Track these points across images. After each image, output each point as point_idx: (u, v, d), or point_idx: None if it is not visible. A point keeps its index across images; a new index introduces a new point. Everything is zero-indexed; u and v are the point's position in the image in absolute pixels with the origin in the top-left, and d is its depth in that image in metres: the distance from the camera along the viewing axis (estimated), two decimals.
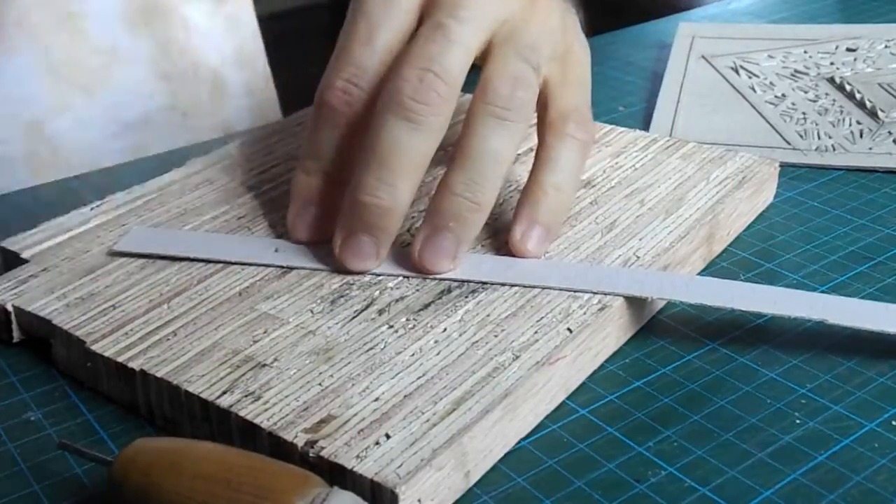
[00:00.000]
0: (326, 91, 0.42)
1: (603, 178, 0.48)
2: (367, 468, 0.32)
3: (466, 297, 0.40)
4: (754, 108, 0.60)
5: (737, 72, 0.64)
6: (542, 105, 0.44)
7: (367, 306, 0.40)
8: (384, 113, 0.40)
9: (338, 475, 0.32)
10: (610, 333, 0.40)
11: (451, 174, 0.41)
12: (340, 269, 0.42)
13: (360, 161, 0.41)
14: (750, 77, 0.64)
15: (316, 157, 0.43)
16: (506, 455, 0.35)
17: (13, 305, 0.41)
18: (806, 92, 0.61)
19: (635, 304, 0.41)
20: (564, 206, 0.44)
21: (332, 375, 0.36)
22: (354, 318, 0.39)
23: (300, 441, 0.33)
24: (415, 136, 0.40)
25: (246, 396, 0.35)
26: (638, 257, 0.42)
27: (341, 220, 0.41)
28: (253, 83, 0.68)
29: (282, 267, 0.42)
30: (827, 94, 0.61)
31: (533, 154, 0.44)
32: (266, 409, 0.35)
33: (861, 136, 0.56)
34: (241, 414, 0.34)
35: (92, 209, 0.47)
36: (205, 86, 0.65)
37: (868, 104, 0.59)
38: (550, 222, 0.43)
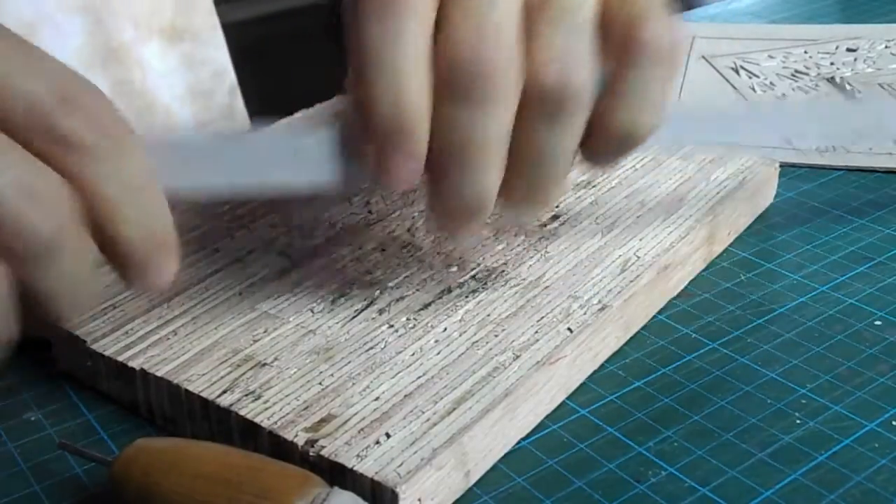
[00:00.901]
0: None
1: (603, 178, 0.48)
2: (367, 467, 0.32)
3: (467, 296, 0.40)
4: None
5: (737, 72, 0.64)
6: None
7: (368, 306, 0.40)
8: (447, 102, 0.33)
9: (338, 474, 0.32)
10: (610, 333, 0.40)
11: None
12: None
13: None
14: (750, 77, 0.64)
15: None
16: (506, 455, 0.35)
17: None
18: (806, 92, 0.61)
19: (635, 303, 0.41)
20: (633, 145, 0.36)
21: (332, 375, 0.36)
22: (355, 317, 0.39)
23: (300, 440, 0.33)
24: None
25: (246, 395, 0.35)
26: (638, 257, 0.42)
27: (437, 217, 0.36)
28: (203, 115, 0.68)
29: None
30: (827, 94, 0.61)
31: None
32: (266, 409, 0.35)
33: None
34: (242, 413, 0.34)
35: None
36: (157, 121, 0.65)
37: None
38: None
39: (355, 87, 0.34)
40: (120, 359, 0.37)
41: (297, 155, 0.36)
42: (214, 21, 0.67)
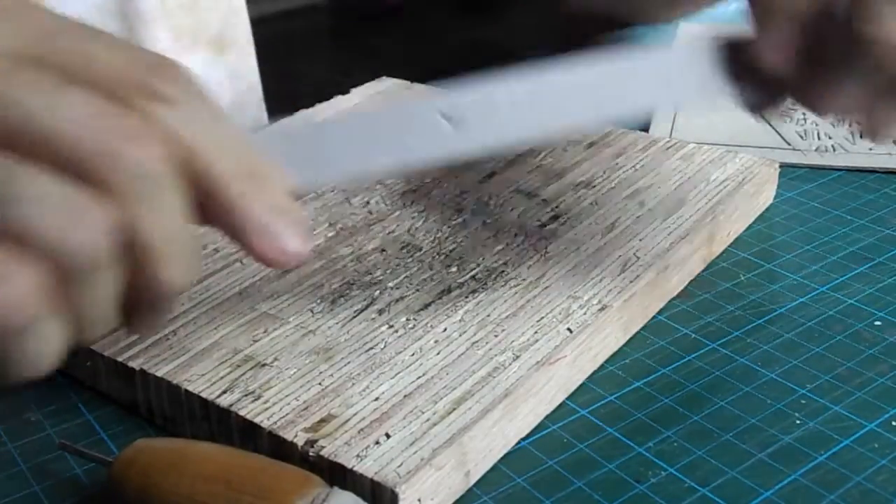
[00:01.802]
0: None
1: (603, 178, 0.48)
2: (367, 467, 0.32)
3: (466, 297, 0.40)
4: None
5: None
6: None
7: (367, 306, 0.40)
8: None
9: (338, 474, 0.32)
10: (610, 334, 0.40)
11: None
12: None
13: None
14: None
15: None
16: (506, 455, 0.35)
17: None
18: None
19: (635, 303, 0.41)
20: None
21: (332, 375, 0.36)
22: (354, 317, 0.39)
23: (300, 440, 0.33)
24: None
25: (246, 396, 0.35)
26: (638, 258, 0.42)
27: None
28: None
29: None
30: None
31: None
32: (266, 409, 0.35)
33: (861, 136, 0.56)
34: (242, 413, 0.34)
35: None
36: None
37: None
38: None
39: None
40: (120, 359, 0.37)
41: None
42: (250, 35, 0.68)
